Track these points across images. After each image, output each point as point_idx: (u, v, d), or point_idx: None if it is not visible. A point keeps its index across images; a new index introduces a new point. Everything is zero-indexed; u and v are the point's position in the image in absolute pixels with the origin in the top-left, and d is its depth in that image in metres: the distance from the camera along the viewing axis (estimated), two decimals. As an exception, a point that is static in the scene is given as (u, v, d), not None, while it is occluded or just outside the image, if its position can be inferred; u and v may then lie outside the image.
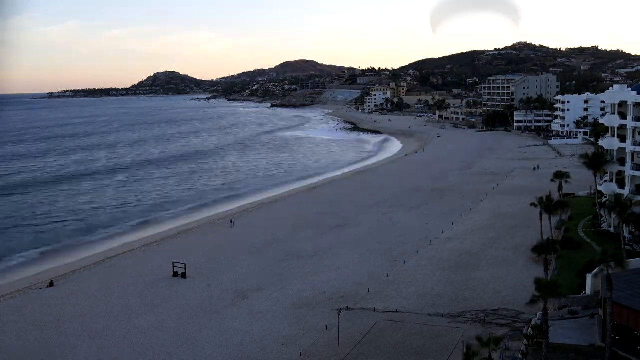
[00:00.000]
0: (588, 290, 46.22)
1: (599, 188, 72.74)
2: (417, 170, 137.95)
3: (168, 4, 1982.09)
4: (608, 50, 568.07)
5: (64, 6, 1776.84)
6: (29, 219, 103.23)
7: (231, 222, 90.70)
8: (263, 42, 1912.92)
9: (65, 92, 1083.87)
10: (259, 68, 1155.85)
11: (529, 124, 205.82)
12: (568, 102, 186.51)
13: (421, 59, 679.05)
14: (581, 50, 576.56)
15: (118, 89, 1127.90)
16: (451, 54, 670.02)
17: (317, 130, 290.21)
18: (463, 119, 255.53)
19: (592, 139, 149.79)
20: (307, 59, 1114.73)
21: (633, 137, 66.29)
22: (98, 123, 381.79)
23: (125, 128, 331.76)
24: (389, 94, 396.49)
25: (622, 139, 68.12)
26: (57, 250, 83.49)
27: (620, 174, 68.90)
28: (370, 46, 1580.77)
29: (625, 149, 67.45)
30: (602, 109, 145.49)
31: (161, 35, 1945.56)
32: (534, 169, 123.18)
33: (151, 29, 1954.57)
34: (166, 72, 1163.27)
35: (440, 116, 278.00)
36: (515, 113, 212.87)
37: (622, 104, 68.15)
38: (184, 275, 64.49)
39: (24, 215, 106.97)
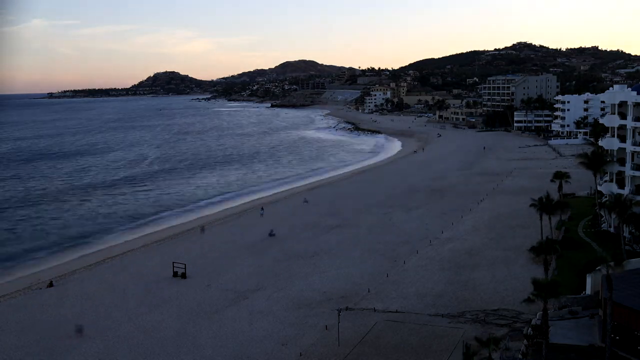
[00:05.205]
0: (588, 290, 46.23)
1: (599, 188, 72.73)
2: (417, 170, 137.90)
3: (147, 3, 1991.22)
4: (608, 50, 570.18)
5: (23, 4, 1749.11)
6: (29, 219, 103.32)
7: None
8: (263, 42, 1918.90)
9: (65, 92, 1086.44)
10: (258, 68, 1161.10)
11: (529, 124, 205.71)
12: (568, 102, 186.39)
13: (421, 59, 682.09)
14: (581, 50, 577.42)
15: (118, 89, 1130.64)
16: (451, 54, 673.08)
17: (317, 129, 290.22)
18: (463, 119, 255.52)
19: (592, 139, 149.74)
20: (307, 59, 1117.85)
21: (633, 137, 66.29)
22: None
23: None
24: (389, 94, 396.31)
25: (622, 139, 68.11)
26: (57, 250, 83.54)
27: (620, 174, 68.87)
28: (370, 46, 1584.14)
29: (625, 149, 67.45)
30: (602, 109, 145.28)
31: (138, 35, 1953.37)
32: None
33: (127, 28, 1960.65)
34: (166, 72, 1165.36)
35: (440, 116, 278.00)
36: (515, 113, 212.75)
37: (622, 104, 68.14)
38: (184, 276, 64.47)
39: (23, 215, 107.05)
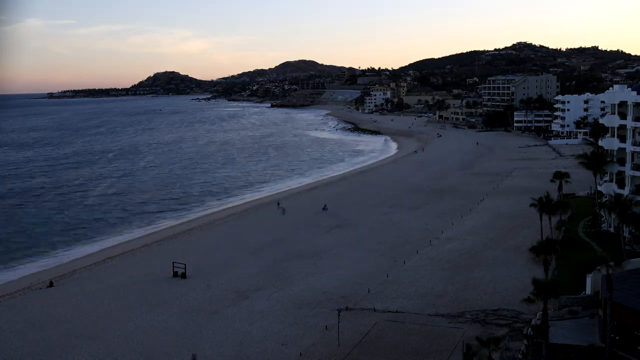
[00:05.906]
0: (588, 290, 46.23)
1: (599, 188, 72.74)
2: (417, 170, 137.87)
3: (144, 3, 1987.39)
4: (608, 50, 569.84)
5: (16, 3, 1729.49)
6: (29, 219, 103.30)
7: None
8: (263, 42, 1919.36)
9: (65, 92, 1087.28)
10: (258, 68, 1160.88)
11: (529, 124, 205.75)
12: (568, 102, 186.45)
13: (421, 59, 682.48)
14: (581, 50, 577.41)
15: (118, 89, 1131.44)
16: (451, 54, 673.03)
17: (316, 129, 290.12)
18: (463, 119, 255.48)
19: (592, 139, 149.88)
20: (307, 59, 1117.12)
21: (633, 137, 66.30)
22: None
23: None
24: (389, 94, 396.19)
25: (622, 139, 68.13)
26: (57, 250, 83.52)
27: (620, 174, 68.89)
28: (370, 46, 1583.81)
29: (625, 149, 67.47)
30: (602, 109, 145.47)
31: (136, 34, 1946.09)
32: None
33: (124, 27, 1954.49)
34: (166, 72, 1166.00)
35: (440, 116, 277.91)
36: (515, 113, 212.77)
37: (622, 104, 68.17)
38: (184, 275, 64.47)
39: (23, 215, 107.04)
